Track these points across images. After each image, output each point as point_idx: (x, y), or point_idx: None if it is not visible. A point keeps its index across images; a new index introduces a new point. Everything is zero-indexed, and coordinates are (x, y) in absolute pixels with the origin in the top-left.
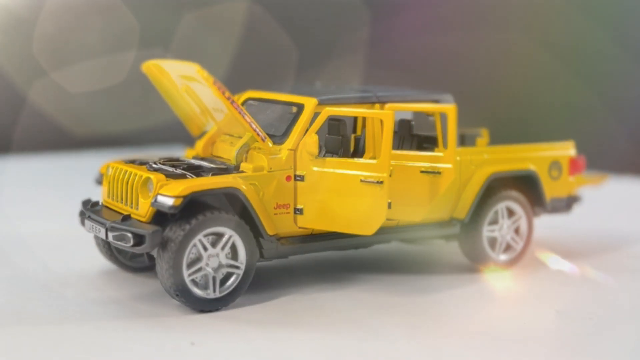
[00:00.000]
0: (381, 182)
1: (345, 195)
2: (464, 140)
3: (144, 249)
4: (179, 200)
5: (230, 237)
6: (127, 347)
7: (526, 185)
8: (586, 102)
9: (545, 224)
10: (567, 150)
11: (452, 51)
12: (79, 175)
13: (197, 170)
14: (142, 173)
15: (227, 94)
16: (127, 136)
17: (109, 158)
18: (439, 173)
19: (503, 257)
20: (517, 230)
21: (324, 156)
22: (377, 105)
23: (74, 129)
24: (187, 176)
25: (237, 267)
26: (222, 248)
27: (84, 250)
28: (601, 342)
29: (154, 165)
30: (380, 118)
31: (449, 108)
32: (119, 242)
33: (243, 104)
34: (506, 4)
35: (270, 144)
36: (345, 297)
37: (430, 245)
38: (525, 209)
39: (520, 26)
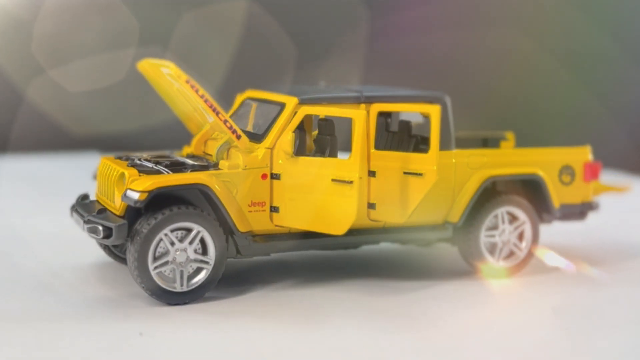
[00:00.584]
0: (351, 182)
1: (317, 195)
2: (487, 143)
3: (111, 241)
4: (144, 195)
5: (198, 232)
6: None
7: (532, 190)
8: (586, 102)
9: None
10: (581, 155)
11: (452, 49)
12: (77, 175)
13: (178, 167)
14: (119, 168)
15: (201, 92)
16: (126, 136)
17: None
18: (420, 175)
19: (503, 263)
20: (521, 237)
21: (313, 155)
22: (363, 105)
23: (73, 129)
24: (163, 172)
25: (207, 262)
26: (190, 243)
27: (81, 248)
28: (597, 339)
29: (136, 161)
30: (351, 117)
31: (431, 108)
32: (92, 234)
33: (243, 103)
34: (506, 3)
35: (247, 142)
36: (320, 295)
37: (434, 247)
38: (530, 214)
39: (520, 24)
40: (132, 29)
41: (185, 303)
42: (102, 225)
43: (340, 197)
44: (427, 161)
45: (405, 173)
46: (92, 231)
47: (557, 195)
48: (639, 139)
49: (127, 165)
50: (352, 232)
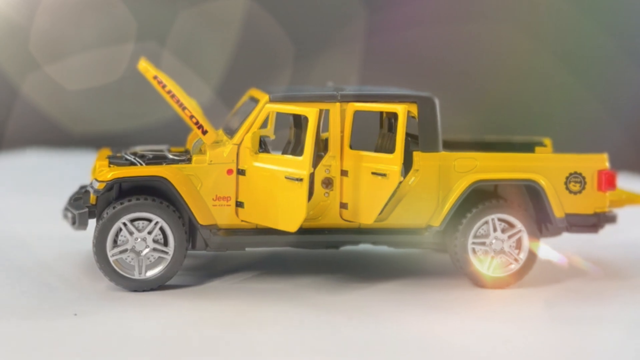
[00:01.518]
0: (301, 180)
1: (273, 191)
2: (514, 147)
3: (76, 227)
4: (102, 185)
5: (157, 223)
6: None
7: (532, 198)
8: (583, 101)
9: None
10: (594, 162)
11: (449, 45)
12: (75, 172)
13: (157, 161)
14: (99, 161)
15: (168, 87)
16: (126, 134)
17: None
18: (384, 175)
19: (497, 272)
20: (518, 245)
21: (292, 152)
22: (339, 104)
23: (71, 127)
24: (136, 165)
25: (166, 253)
26: (150, 233)
27: (78, 246)
28: (590, 332)
29: (119, 154)
30: (305, 115)
31: (399, 108)
32: (65, 220)
33: (246, 100)
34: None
35: (213, 138)
36: (277, 292)
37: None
38: (527, 222)
39: (517, 21)
40: (130, 26)
41: (144, 290)
42: (71, 213)
43: (292, 194)
44: (392, 162)
45: (372, 173)
46: (65, 217)
47: (563, 204)
48: (637, 138)
49: (107, 157)
50: (326, 231)
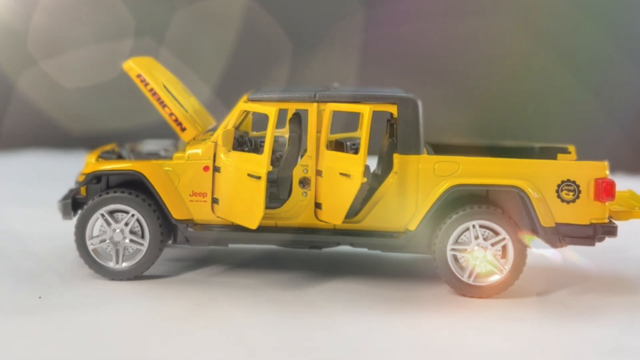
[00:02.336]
0: (259, 178)
1: (237, 188)
2: (532, 154)
3: (62, 217)
4: (82, 177)
5: (133, 215)
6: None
7: (519, 205)
8: (581, 100)
9: None
10: (591, 170)
11: (447, 41)
12: (73, 173)
13: (147, 157)
14: (91, 155)
15: (150, 86)
16: (125, 133)
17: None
18: (349, 176)
19: (477, 281)
20: (503, 254)
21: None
22: (316, 105)
23: (68, 125)
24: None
25: (141, 244)
26: (126, 224)
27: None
28: (581, 326)
29: (116, 149)
30: (266, 113)
31: (362, 108)
32: (58, 210)
33: None
34: None
35: (191, 135)
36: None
37: None
38: (511, 230)
39: (516, 16)
40: (128, 24)
41: (120, 279)
42: (60, 203)
43: (251, 191)
44: (356, 163)
45: (340, 174)
46: (58, 207)
47: (552, 213)
48: (635, 138)
49: (101, 152)
50: (302, 231)
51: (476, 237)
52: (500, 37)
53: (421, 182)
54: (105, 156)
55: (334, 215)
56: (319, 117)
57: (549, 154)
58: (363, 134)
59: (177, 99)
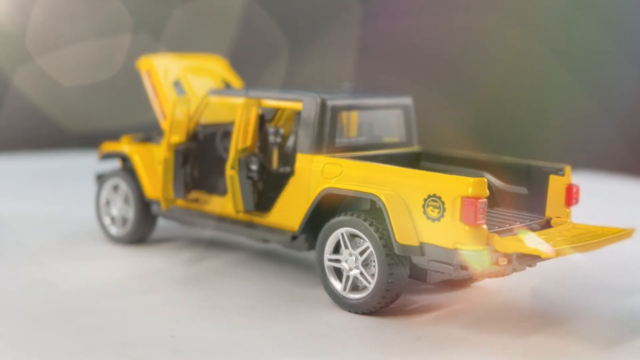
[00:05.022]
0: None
1: (158, 173)
2: (513, 171)
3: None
4: (100, 156)
5: (122, 187)
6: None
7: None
8: (579, 100)
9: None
10: (457, 185)
11: (443, 37)
12: (73, 173)
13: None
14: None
15: (152, 83)
16: (123, 131)
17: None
18: (233, 169)
19: (352, 295)
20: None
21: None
22: (244, 101)
23: (66, 123)
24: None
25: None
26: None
27: (75, 245)
28: (575, 320)
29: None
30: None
31: (244, 105)
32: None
33: None
34: None
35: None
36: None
37: None
38: (373, 239)
39: (513, 12)
40: (125, 22)
41: (125, 243)
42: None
43: (159, 176)
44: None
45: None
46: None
47: (418, 230)
48: (629, 136)
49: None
50: (229, 221)
51: (346, 247)
52: (497, 34)
53: (312, 183)
54: (135, 139)
55: (228, 207)
56: (246, 113)
57: (542, 175)
58: (249, 127)
59: (190, 92)
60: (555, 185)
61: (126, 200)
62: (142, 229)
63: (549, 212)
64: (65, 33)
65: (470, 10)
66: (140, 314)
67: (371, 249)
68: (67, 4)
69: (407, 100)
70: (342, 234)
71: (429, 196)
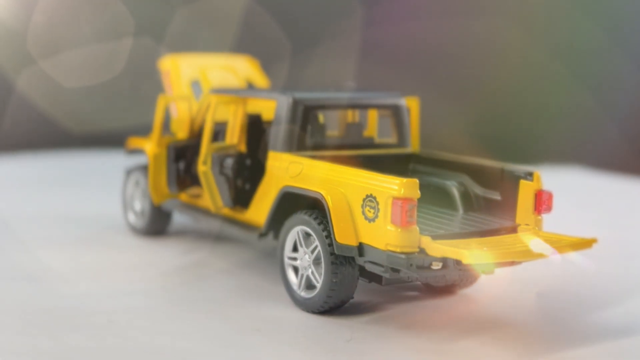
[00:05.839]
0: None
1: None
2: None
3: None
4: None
5: (143, 182)
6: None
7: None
8: (579, 98)
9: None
10: (389, 186)
11: (444, 39)
12: (73, 174)
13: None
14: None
15: (169, 82)
16: (124, 132)
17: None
18: (204, 163)
19: (304, 294)
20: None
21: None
22: (209, 98)
23: (68, 125)
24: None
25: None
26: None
27: (75, 246)
28: (580, 325)
29: None
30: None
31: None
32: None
33: None
34: None
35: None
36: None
37: None
38: (321, 238)
39: (513, 14)
40: (127, 24)
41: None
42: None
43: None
44: (206, 153)
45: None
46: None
47: (357, 230)
48: (631, 134)
49: None
50: (211, 214)
51: (301, 245)
52: (499, 37)
53: (280, 181)
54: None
55: (210, 203)
56: (208, 109)
57: (513, 178)
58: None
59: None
60: (526, 191)
61: (144, 195)
62: (157, 222)
63: (519, 218)
64: (67, 35)
65: (472, 14)
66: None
67: (319, 248)
68: (69, 7)
69: (398, 100)
70: (298, 232)
71: (367, 196)
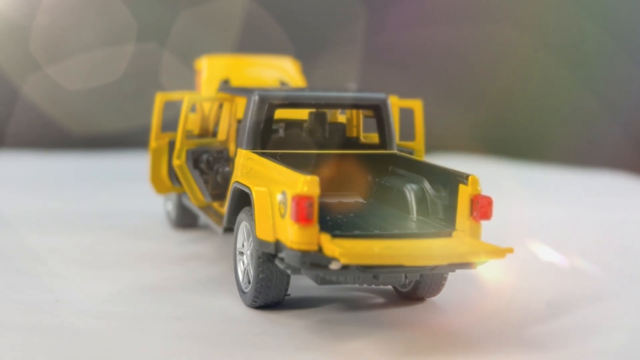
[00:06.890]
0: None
1: None
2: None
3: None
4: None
5: None
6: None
7: None
8: (583, 100)
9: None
10: (294, 183)
11: (449, 44)
12: (74, 174)
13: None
14: None
15: (199, 81)
16: (127, 135)
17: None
18: (178, 158)
19: (244, 288)
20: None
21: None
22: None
23: (71, 127)
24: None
25: None
26: None
27: (75, 246)
28: (589, 334)
29: None
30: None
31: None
32: None
33: None
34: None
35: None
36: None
37: None
38: (253, 235)
39: (518, 19)
40: (131, 27)
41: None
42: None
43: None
44: (179, 150)
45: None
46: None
47: (277, 227)
48: (636, 136)
49: None
50: (206, 208)
51: (245, 240)
52: (503, 41)
53: (235, 177)
54: None
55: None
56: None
57: (453, 182)
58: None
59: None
60: (463, 196)
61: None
62: (183, 216)
63: (458, 223)
64: (71, 38)
65: (478, 18)
66: None
67: (253, 243)
68: (73, 11)
69: (378, 100)
70: (243, 228)
71: (282, 193)
